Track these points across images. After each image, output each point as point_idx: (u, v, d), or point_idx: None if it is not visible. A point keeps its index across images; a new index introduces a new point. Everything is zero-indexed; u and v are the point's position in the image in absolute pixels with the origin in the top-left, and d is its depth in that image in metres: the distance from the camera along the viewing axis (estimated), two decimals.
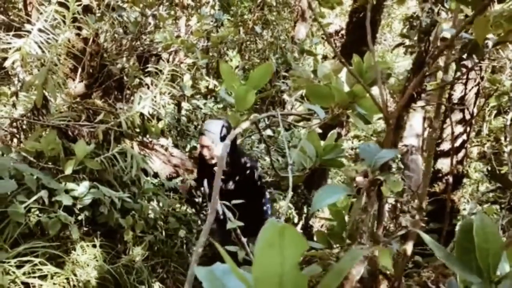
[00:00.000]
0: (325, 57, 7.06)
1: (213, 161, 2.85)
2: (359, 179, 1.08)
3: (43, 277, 2.43)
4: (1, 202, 2.39)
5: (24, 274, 2.33)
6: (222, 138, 2.76)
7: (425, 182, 1.21)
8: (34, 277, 2.37)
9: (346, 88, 1.60)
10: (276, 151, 5.85)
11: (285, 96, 5.08)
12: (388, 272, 1.95)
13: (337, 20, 9.22)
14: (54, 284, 2.50)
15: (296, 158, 1.66)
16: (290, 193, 1.39)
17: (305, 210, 5.38)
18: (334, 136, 1.80)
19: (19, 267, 2.34)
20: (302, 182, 5.22)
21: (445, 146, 3.92)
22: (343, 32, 9.81)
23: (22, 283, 2.31)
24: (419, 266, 2.54)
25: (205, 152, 2.83)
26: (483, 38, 1.12)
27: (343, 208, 1.79)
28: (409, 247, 1.17)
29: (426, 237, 1.05)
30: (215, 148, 2.80)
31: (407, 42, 2.97)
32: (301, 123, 3.03)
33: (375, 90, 1.46)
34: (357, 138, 6.63)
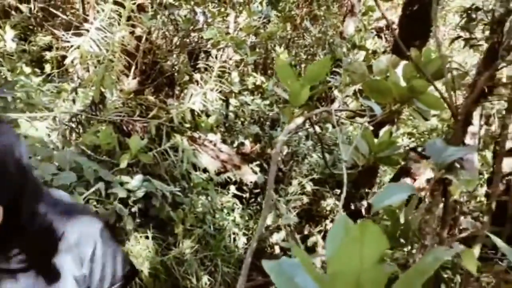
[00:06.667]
0: (374, 52, 6.86)
1: None
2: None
3: None
4: None
5: None
6: None
7: (496, 182, 1.13)
8: None
9: (403, 84, 1.55)
10: (323, 148, 5.78)
11: (335, 92, 4.99)
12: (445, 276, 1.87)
13: (387, 13, 8.94)
14: None
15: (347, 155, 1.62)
16: (344, 191, 1.35)
17: (352, 208, 5.28)
18: (388, 133, 1.75)
19: None
20: (349, 181, 5.12)
21: (508, 144, 3.68)
22: (394, 26, 9.50)
23: None
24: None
25: None
26: None
27: (398, 208, 1.74)
28: (476, 250, 1.11)
29: (498, 241, 0.99)
30: None
31: (463, 35, 2.84)
32: (351, 120, 2.95)
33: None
34: (411, 135, 6.35)
